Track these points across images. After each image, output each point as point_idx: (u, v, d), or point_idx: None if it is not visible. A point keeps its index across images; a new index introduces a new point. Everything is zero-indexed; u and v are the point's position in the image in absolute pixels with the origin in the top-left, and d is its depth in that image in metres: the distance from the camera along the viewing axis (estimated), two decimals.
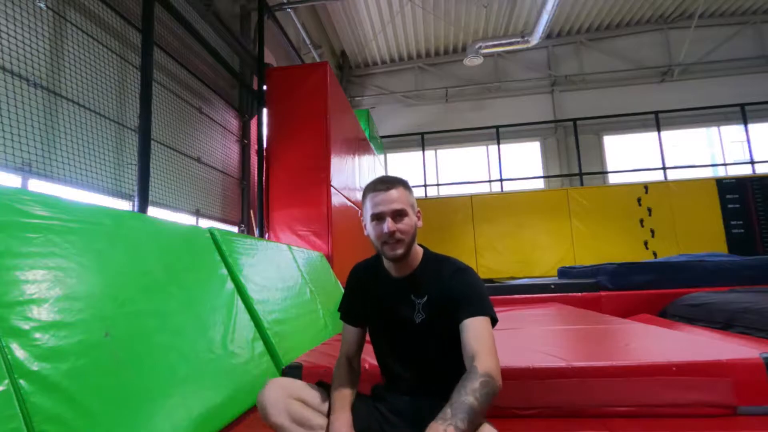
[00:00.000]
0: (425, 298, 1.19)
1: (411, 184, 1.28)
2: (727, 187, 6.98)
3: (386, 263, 1.26)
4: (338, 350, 1.37)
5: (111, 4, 2.82)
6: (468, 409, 0.89)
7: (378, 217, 1.17)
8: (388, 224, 1.14)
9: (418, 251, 1.26)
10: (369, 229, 1.21)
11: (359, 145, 5.87)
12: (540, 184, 8.70)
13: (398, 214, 1.16)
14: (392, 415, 1.20)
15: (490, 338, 1.08)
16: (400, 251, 1.16)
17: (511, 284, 4.39)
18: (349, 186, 5.06)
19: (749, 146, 7.72)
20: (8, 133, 2.01)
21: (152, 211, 2.88)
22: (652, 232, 7.02)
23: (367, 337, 1.37)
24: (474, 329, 1.08)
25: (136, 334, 1.28)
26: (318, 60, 6.96)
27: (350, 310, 1.34)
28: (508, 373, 1.48)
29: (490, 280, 6.93)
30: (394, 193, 1.17)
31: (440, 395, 1.02)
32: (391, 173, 8.77)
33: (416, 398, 1.18)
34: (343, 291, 1.39)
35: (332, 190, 4.30)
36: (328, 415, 1.15)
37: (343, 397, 1.17)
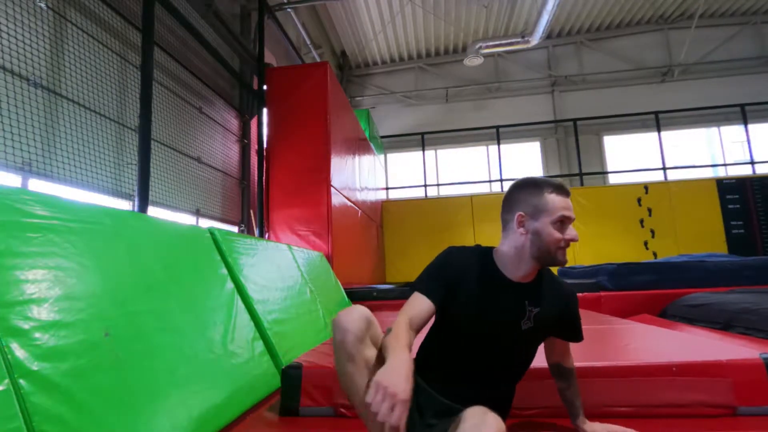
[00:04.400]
0: (538, 309, 1.19)
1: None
2: (727, 188, 6.97)
3: (500, 262, 1.21)
4: None
5: (111, 3, 2.82)
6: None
7: (564, 221, 1.15)
8: (574, 232, 1.15)
9: None
10: (547, 229, 1.14)
11: (359, 145, 5.87)
12: None
13: None
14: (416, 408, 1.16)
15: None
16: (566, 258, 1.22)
17: None
18: (349, 186, 5.06)
19: (749, 146, 7.72)
20: (8, 132, 2.01)
21: (152, 211, 2.88)
22: (652, 232, 7.02)
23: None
24: (569, 349, 1.34)
25: (136, 334, 1.28)
26: (318, 60, 6.97)
27: (438, 286, 1.19)
28: None
29: None
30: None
31: (480, 399, 1.02)
32: (391, 173, 8.81)
33: (463, 391, 1.18)
34: (343, 291, 1.38)
35: (332, 190, 4.30)
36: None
37: (403, 338, 1.03)
